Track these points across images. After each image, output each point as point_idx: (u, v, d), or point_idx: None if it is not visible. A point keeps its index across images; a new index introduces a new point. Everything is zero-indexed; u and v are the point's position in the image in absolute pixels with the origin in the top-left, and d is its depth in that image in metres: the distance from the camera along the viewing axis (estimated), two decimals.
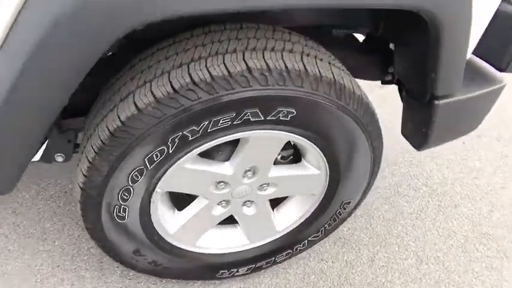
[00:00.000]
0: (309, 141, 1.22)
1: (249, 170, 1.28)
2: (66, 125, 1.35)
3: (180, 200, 1.39)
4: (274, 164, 1.40)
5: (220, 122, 1.05)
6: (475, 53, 1.37)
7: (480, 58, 1.38)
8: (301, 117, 1.12)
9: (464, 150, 2.46)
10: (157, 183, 1.17)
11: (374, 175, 1.42)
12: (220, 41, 1.08)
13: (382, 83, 1.65)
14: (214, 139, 1.10)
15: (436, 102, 1.22)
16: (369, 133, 1.25)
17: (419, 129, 1.34)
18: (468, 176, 2.27)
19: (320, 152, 1.27)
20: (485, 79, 1.37)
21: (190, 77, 1.00)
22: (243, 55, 1.03)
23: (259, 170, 1.29)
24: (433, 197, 2.11)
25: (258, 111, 1.06)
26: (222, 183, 1.29)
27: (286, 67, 1.04)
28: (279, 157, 1.40)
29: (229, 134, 1.10)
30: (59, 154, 1.40)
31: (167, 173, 1.15)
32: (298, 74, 1.05)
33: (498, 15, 1.26)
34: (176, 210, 1.39)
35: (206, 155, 1.28)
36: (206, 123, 1.04)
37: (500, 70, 1.34)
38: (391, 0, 0.96)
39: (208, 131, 1.06)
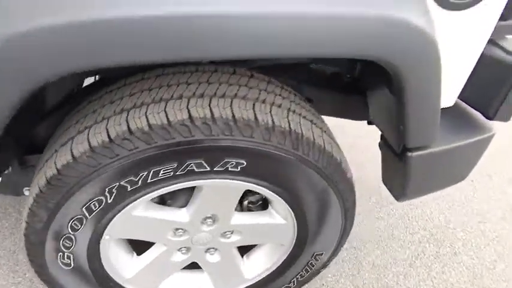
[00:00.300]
0: (269, 191, 1.13)
1: (209, 218, 1.21)
2: (28, 161, 1.32)
3: (140, 243, 1.32)
4: (241, 209, 1.33)
5: (161, 172, 0.98)
6: (462, 98, 1.26)
7: (467, 104, 1.26)
8: (253, 169, 1.03)
9: (472, 190, 2.31)
10: (103, 231, 1.10)
11: (347, 227, 1.31)
12: (169, 86, 1.02)
13: (368, 124, 1.55)
14: (158, 189, 1.03)
15: (409, 154, 1.11)
16: (335, 184, 1.15)
17: (396, 180, 1.23)
18: (473, 220, 2.11)
19: (284, 202, 1.18)
20: (473, 127, 1.25)
21: (128, 125, 0.94)
22: (188, 102, 0.97)
23: (219, 218, 1.21)
24: (430, 243, 1.97)
25: (202, 162, 0.98)
26: (180, 230, 1.22)
27: (233, 116, 0.97)
28: (246, 202, 1.32)
29: (175, 184, 1.03)
30: (27, 188, 1.37)
31: (113, 221, 1.08)
32: (247, 123, 0.98)
33: (484, 59, 1.16)
34: (135, 254, 1.32)
35: (163, 199, 1.22)
36: (145, 174, 0.97)
37: (488, 118, 1.22)
38: (347, 50, 0.87)
39: (149, 181, 0.99)
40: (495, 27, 1.12)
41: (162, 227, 1.19)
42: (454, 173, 1.29)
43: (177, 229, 1.21)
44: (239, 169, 1.02)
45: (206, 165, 0.99)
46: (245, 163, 1.01)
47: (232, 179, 1.05)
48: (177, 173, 0.99)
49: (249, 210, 1.35)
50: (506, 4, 1.07)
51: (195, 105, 0.96)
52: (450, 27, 1.05)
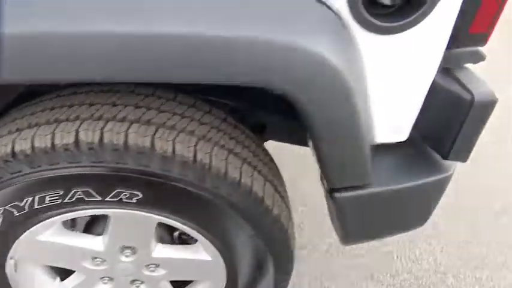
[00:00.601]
0: (183, 226, 1.03)
1: (127, 248, 1.12)
2: None
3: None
4: (173, 241, 1.24)
5: (47, 199, 0.91)
6: (418, 133, 1.12)
7: (422, 140, 1.12)
8: (152, 201, 0.94)
9: (472, 229, 2.07)
10: (6, 255, 1.05)
11: (282, 268, 1.18)
12: (71, 106, 0.95)
13: None
14: (51, 217, 0.96)
15: (337, 194, 0.98)
16: (257, 221, 1.03)
17: (335, 220, 1.10)
18: (467, 265, 1.89)
19: (204, 238, 1.07)
20: (427, 166, 1.10)
21: (13, 146, 0.88)
22: (80, 125, 0.89)
23: (137, 249, 1.12)
24: None
25: (90, 190, 0.91)
26: (98, 259, 1.14)
27: (125, 142, 0.88)
28: (177, 233, 1.23)
29: (69, 212, 0.96)
30: None
31: (15, 245, 1.03)
32: (141, 150, 0.89)
33: (435, 90, 1.02)
34: (58, 279, 1.25)
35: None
36: (30, 199, 0.91)
37: (443, 157, 1.07)
38: (227, 77, 0.78)
39: (35, 208, 0.92)
40: (449, 55, 0.98)
41: (77, 254, 1.12)
42: (406, 217, 1.13)
43: (94, 257, 1.14)
44: (135, 201, 0.93)
45: (96, 195, 0.91)
46: (141, 195, 0.93)
47: (131, 211, 0.96)
48: (65, 201, 0.92)
49: (183, 242, 1.26)
50: (456, 29, 0.93)
51: (87, 128, 0.89)
52: (384, 54, 0.92)
